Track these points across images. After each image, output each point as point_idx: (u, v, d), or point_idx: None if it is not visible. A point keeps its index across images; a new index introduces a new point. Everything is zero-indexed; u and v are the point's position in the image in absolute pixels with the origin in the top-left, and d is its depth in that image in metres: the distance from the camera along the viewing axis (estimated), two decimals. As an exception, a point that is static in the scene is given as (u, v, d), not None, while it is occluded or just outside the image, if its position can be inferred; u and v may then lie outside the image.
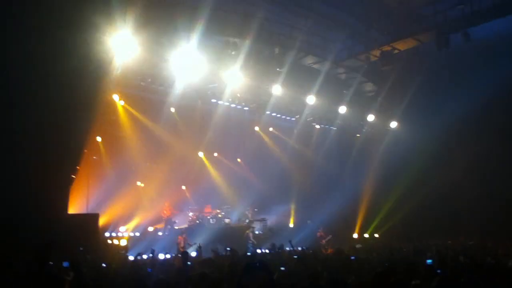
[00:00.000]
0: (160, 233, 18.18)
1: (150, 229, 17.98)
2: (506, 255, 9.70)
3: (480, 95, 18.52)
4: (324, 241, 19.12)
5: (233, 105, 17.79)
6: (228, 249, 11.65)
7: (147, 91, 16.15)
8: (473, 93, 18.72)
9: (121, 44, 12.62)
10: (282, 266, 7.63)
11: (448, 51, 16.61)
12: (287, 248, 13.25)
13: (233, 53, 15.57)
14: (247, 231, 18.24)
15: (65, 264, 6.08)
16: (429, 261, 6.79)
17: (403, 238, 18.49)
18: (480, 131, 20.15)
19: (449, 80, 19.77)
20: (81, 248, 10.44)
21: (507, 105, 19.08)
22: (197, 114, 18.41)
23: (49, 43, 11.36)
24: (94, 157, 17.78)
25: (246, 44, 15.23)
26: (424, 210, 20.47)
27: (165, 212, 18.63)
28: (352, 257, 8.48)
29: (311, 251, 13.12)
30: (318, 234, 19.73)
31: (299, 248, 16.87)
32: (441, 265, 6.81)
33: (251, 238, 17.90)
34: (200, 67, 14.61)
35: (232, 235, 18.06)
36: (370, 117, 21.07)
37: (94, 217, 14.80)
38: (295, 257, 10.09)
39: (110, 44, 12.48)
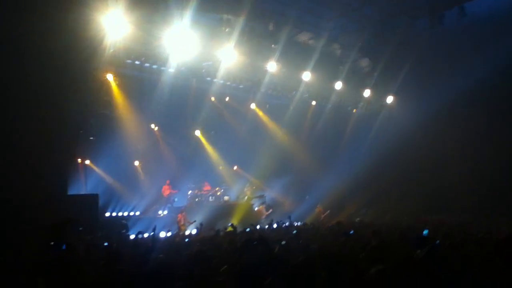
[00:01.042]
0: (160, 212, 18.37)
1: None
2: (497, 230, 9.86)
3: (475, 72, 18.52)
4: (323, 216, 19.38)
5: (228, 83, 17.67)
6: (230, 224, 11.82)
7: (141, 70, 15.99)
8: (467, 70, 18.70)
9: (113, 22, 12.46)
10: (282, 241, 7.75)
11: (444, 28, 16.53)
12: (286, 224, 13.45)
13: (226, 30, 15.43)
14: (261, 207, 18.64)
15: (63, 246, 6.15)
16: (425, 232, 6.91)
17: (398, 214, 18.72)
18: (473, 108, 20.17)
19: (445, 56, 19.67)
20: (80, 228, 10.53)
21: (502, 83, 19.06)
22: (192, 93, 18.31)
23: (40, 21, 11.21)
24: (91, 138, 17.76)
25: (239, 21, 15.06)
26: (417, 186, 20.64)
27: (165, 190, 18.76)
28: (351, 231, 8.61)
29: (310, 226, 13.30)
30: (317, 209, 19.98)
31: (298, 223, 17.16)
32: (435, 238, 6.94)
33: (265, 216, 18.32)
34: (193, 45, 14.46)
35: (231, 212, 18.26)
36: (366, 93, 21.04)
37: (94, 197, 14.90)
38: (294, 232, 10.23)
39: (102, 22, 12.32)
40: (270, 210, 18.99)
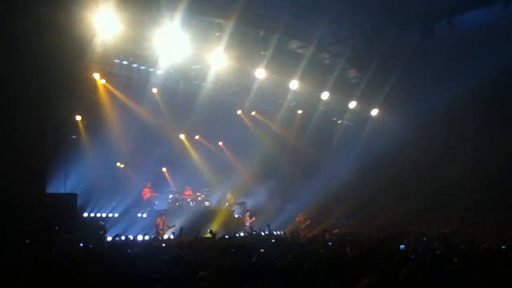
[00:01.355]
0: (139, 215, 18.13)
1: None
2: (482, 241, 9.95)
3: (463, 84, 18.82)
4: (303, 225, 19.34)
5: (216, 88, 17.61)
6: (208, 231, 11.70)
7: (129, 70, 15.86)
8: (455, 83, 19.00)
9: (102, 21, 12.33)
10: (261, 249, 7.69)
11: (433, 40, 16.75)
12: (266, 232, 13.39)
13: (217, 34, 15.41)
14: (245, 214, 19.03)
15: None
16: (402, 246, 6.93)
17: (382, 225, 18.82)
18: (460, 120, 20.50)
19: (433, 69, 19.94)
20: (56, 228, 10.33)
21: (490, 95, 19.42)
22: (180, 96, 18.20)
23: (30, 18, 11.08)
24: (74, 136, 17.48)
25: (230, 26, 15.05)
26: (403, 197, 20.83)
27: (145, 193, 18.53)
28: (329, 243, 8.60)
29: (288, 236, 13.25)
30: (297, 219, 19.95)
31: (278, 233, 17.10)
32: (415, 251, 6.96)
33: (248, 223, 18.50)
34: (183, 47, 14.37)
35: (212, 218, 18.12)
36: (352, 104, 21.18)
37: (73, 196, 14.67)
38: (273, 241, 10.19)
39: (92, 20, 12.19)
40: (254, 218, 18.91)
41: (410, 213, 19.89)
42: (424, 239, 11.20)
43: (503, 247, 6.77)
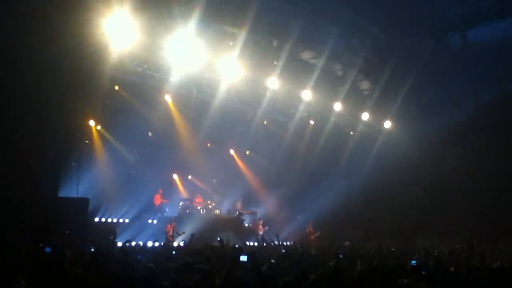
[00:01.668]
0: (149, 221, 18.19)
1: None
2: (492, 257, 9.81)
3: (474, 98, 18.71)
4: (312, 237, 19.24)
5: (228, 96, 17.68)
6: (218, 239, 11.68)
7: (143, 77, 15.95)
8: (468, 95, 18.90)
9: (117, 28, 12.47)
10: (272, 259, 7.67)
11: (447, 52, 16.69)
12: (275, 242, 13.33)
13: (231, 43, 15.51)
14: (258, 223, 19.20)
15: (47, 249, 6.05)
16: (413, 262, 6.86)
17: (392, 238, 18.64)
18: (472, 134, 20.35)
19: (447, 81, 19.86)
20: (66, 232, 10.41)
21: (502, 109, 19.27)
22: (193, 103, 18.30)
23: (44, 24, 11.25)
24: (87, 141, 17.65)
25: (243, 35, 15.14)
26: (414, 209, 20.70)
27: (157, 199, 18.59)
28: (340, 255, 8.54)
29: (299, 246, 13.17)
30: (307, 229, 19.85)
31: (287, 243, 17.03)
32: (426, 266, 6.88)
33: (262, 231, 18.64)
34: (197, 56, 14.48)
35: (222, 226, 18.13)
36: (365, 116, 21.12)
37: (84, 201, 14.78)
38: (283, 251, 10.15)
39: (106, 27, 12.34)
40: (267, 227, 18.94)
41: (420, 226, 19.70)
42: (436, 253, 11.06)
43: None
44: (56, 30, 11.46)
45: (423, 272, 5.69)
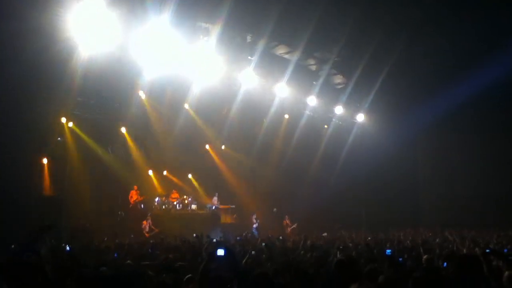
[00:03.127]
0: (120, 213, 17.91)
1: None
2: (462, 246, 10.11)
3: (454, 96, 19.19)
4: (289, 229, 19.46)
5: (203, 91, 17.58)
6: (194, 235, 11.69)
7: (115, 74, 15.66)
8: (446, 94, 19.37)
9: (88, 23, 12.22)
10: (252, 251, 7.74)
11: (423, 47, 16.98)
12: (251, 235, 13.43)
13: (205, 38, 15.43)
14: (253, 217, 19.66)
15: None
16: (388, 251, 7.04)
17: (367, 229, 19.02)
18: (444, 128, 20.93)
19: (422, 77, 20.25)
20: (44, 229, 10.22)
21: (480, 107, 19.89)
22: (167, 99, 18.16)
23: (15, 21, 10.98)
24: (59, 139, 17.28)
25: (217, 30, 15.09)
26: (387, 201, 21.16)
27: (132, 196, 18.36)
28: (317, 247, 8.67)
29: (278, 239, 13.29)
30: (284, 222, 20.07)
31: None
32: (401, 254, 7.08)
33: (255, 224, 19.43)
34: (170, 51, 14.32)
35: (199, 221, 18.14)
36: (338, 109, 21.40)
37: (58, 199, 14.55)
38: (263, 244, 10.22)
39: (76, 23, 12.08)
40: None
41: (393, 219, 20.14)
42: (409, 243, 11.34)
43: (487, 251, 6.95)
44: (27, 28, 11.20)
45: (400, 259, 5.86)
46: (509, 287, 3.54)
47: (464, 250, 8.92)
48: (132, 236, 14.94)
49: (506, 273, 4.03)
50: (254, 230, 19.06)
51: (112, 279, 4.67)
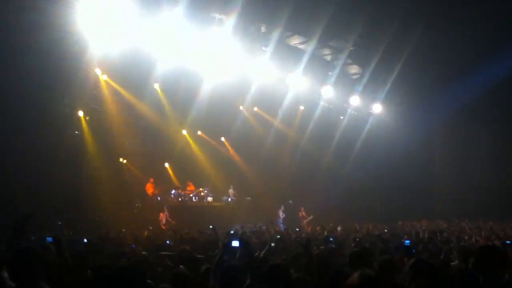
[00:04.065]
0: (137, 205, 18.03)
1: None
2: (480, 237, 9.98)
3: (468, 89, 18.85)
4: (305, 221, 19.43)
5: (217, 83, 17.58)
6: (211, 226, 11.73)
7: (128, 64, 15.71)
8: (461, 86, 19.03)
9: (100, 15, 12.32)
10: (268, 243, 7.74)
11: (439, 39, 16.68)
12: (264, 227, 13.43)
13: (219, 30, 15.41)
14: (278, 210, 19.70)
15: (49, 239, 6.04)
16: (407, 242, 6.96)
17: (382, 221, 18.87)
18: (462, 121, 20.62)
19: (439, 69, 19.92)
20: (59, 223, 10.38)
21: (495, 100, 19.53)
22: (181, 91, 18.18)
23: (30, 13, 11.09)
24: (76, 132, 17.49)
25: (231, 21, 15.05)
26: (403, 194, 20.97)
27: (148, 188, 18.53)
28: (331, 238, 8.63)
29: (291, 232, 13.28)
30: (300, 214, 20.04)
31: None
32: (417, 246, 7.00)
33: (281, 217, 19.41)
34: (184, 43, 14.35)
35: (215, 214, 18.24)
36: (354, 100, 21.19)
37: (77, 191, 14.74)
38: (278, 237, 10.23)
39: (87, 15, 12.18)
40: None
41: (409, 211, 19.96)
42: (426, 234, 11.22)
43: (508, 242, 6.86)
44: (42, 20, 11.30)
45: (413, 251, 5.80)
46: None
47: (482, 241, 8.80)
48: (151, 228, 15.07)
49: None
50: (280, 223, 19.06)
51: (128, 270, 4.72)
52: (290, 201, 21.23)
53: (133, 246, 8.83)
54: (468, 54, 18.69)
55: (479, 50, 18.41)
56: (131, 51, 14.21)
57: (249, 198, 21.34)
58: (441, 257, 5.66)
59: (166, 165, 20.35)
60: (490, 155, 21.25)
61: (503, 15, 16.12)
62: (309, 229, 15.84)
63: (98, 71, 15.97)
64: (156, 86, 17.54)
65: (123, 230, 13.00)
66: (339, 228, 14.42)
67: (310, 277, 4.38)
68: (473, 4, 16.23)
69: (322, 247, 7.39)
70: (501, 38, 17.57)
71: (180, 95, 18.29)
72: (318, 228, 14.85)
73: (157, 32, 13.73)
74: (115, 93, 16.91)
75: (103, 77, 16.44)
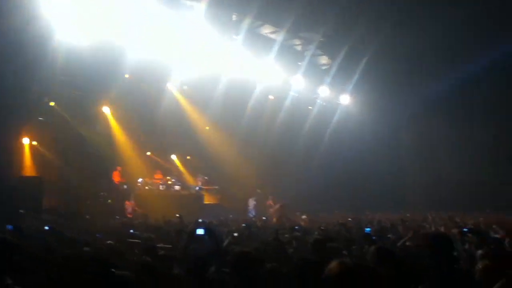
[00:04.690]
0: (109, 201, 17.76)
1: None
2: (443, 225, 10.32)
3: (437, 83, 19.32)
4: (272, 210, 19.56)
5: (189, 72, 17.38)
6: (177, 215, 11.70)
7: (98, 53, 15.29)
8: (427, 81, 19.48)
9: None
10: (233, 232, 7.78)
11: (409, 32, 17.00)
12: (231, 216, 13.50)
13: (189, 17, 15.22)
14: (249, 199, 19.58)
15: (9, 226, 5.94)
16: (367, 229, 7.16)
17: (350, 211, 19.23)
18: (429, 113, 21.15)
19: (407, 61, 20.27)
20: (21, 211, 10.14)
21: (463, 94, 20.11)
22: (151, 80, 17.91)
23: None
24: (40, 118, 17.00)
25: (202, 9, 14.89)
26: (372, 185, 21.42)
27: (115, 177, 18.25)
28: (296, 227, 8.77)
29: (261, 220, 13.40)
30: (268, 203, 20.17)
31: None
32: (379, 233, 7.21)
33: (251, 205, 19.50)
34: (155, 31, 14.12)
35: (182, 202, 18.15)
36: (323, 90, 21.40)
37: (38, 180, 14.37)
38: (243, 225, 10.29)
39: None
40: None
41: (377, 201, 20.40)
42: (389, 224, 11.52)
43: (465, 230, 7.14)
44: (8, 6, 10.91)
45: (373, 238, 5.96)
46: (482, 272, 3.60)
47: (442, 229, 9.11)
48: (118, 217, 14.89)
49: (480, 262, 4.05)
50: (250, 212, 19.28)
51: (93, 258, 4.66)
52: (258, 190, 21.33)
53: (97, 235, 8.70)
54: (435, 49, 19.16)
55: (446, 46, 18.90)
56: (99, 40, 13.81)
57: (217, 187, 21.35)
58: (399, 245, 5.84)
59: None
60: (456, 148, 21.84)
61: (472, 13, 16.55)
62: (274, 220, 15.91)
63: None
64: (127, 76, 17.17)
65: (87, 217, 12.81)
66: (304, 217, 14.62)
67: (280, 266, 4.44)
68: (443, 1, 16.62)
69: (287, 236, 7.51)
70: (468, 37, 18.07)
71: (149, 85, 18.02)
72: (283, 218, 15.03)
73: (126, 21, 13.41)
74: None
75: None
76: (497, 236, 7.24)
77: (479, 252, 4.62)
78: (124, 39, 14.32)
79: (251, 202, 20.05)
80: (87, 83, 16.31)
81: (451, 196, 19.92)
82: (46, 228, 7.63)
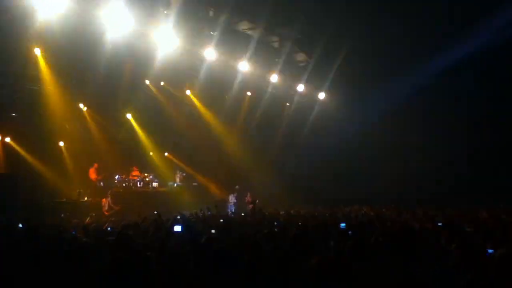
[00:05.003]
0: (86, 198, 17.51)
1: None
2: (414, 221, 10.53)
3: (405, 85, 19.68)
4: (250, 206, 19.62)
5: (163, 66, 17.14)
6: (155, 212, 11.63)
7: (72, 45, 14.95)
8: (399, 82, 19.81)
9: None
10: (211, 229, 7.78)
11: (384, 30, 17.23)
12: (209, 212, 13.47)
13: (165, 12, 15.04)
14: (230, 195, 19.86)
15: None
16: (342, 225, 7.27)
17: (327, 206, 19.43)
18: (403, 111, 21.50)
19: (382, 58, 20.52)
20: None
21: (435, 93, 20.54)
22: (127, 74, 17.62)
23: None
24: (13, 114, 16.62)
25: (179, 4, 14.73)
26: (349, 180, 21.69)
27: (91, 174, 17.99)
28: (275, 222, 8.84)
29: (241, 215, 13.42)
30: (246, 199, 20.25)
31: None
32: (352, 228, 7.35)
33: (231, 201, 19.69)
34: (126, 22, 13.81)
35: (160, 199, 18.05)
36: (300, 87, 21.53)
37: (10, 177, 14.10)
38: (221, 220, 10.31)
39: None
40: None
41: (352, 197, 20.66)
42: (365, 218, 11.70)
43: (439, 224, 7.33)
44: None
45: (349, 232, 6.07)
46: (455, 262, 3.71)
47: (417, 225, 9.30)
48: (94, 214, 14.70)
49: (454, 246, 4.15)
50: (230, 208, 19.41)
51: (69, 254, 4.63)
52: (237, 186, 21.38)
53: (73, 232, 8.60)
54: (409, 50, 19.50)
55: (420, 47, 19.27)
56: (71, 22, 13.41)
57: (195, 184, 21.30)
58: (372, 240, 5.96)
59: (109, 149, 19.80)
60: (429, 144, 22.23)
61: (443, 14, 16.89)
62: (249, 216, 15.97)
63: (37, 51, 15.04)
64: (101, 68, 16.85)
65: (62, 216, 12.62)
66: (282, 213, 14.72)
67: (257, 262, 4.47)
68: (416, 1, 16.91)
69: (266, 231, 7.54)
70: (444, 32, 18.43)
71: (126, 78, 17.75)
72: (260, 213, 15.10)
73: (101, 12, 13.15)
74: (55, 73, 16.04)
75: (41, 58, 15.51)
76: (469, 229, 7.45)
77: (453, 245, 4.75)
78: (97, 29, 14.00)
79: (231, 198, 20.10)
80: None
81: (426, 191, 20.32)
82: (20, 226, 7.50)
